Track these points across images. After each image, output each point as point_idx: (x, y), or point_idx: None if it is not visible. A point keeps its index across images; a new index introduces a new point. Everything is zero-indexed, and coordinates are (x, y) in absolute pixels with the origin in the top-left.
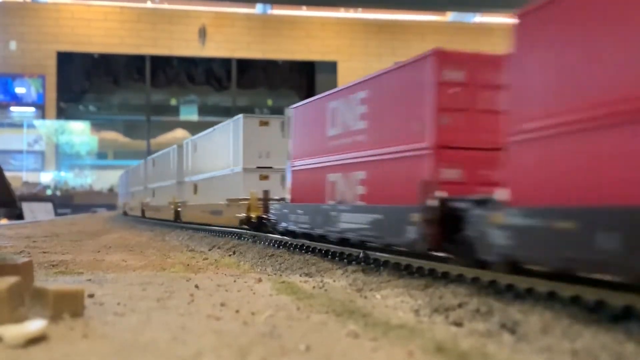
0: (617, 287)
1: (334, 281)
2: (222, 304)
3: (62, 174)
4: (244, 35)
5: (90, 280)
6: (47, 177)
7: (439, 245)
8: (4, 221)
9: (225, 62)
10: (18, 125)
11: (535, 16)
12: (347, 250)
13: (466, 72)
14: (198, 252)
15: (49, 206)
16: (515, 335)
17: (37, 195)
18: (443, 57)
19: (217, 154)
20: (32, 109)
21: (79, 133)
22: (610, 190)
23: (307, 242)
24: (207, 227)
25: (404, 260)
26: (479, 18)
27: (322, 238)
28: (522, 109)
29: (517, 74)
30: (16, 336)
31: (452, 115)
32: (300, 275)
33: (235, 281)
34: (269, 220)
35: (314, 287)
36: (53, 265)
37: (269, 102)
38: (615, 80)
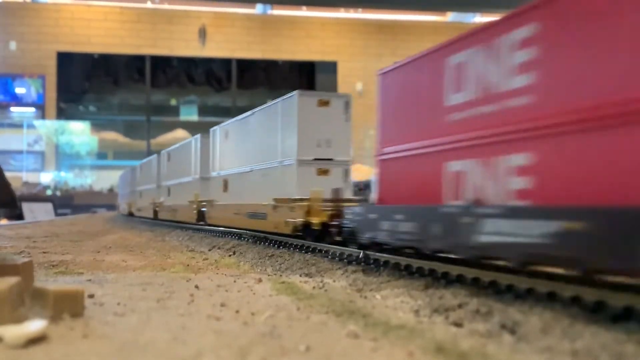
0: (617, 287)
1: (334, 281)
2: (222, 304)
3: (62, 174)
4: (244, 35)
5: (90, 280)
6: (47, 178)
7: None
8: (4, 221)
9: (225, 62)
10: (18, 126)
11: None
12: (347, 250)
13: None
14: (198, 252)
15: (49, 206)
16: (516, 335)
17: (37, 196)
18: None
19: (258, 143)
20: (32, 109)
21: (79, 133)
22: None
23: (306, 242)
24: (207, 227)
25: (404, 261)
26: (478, 18)
27: (430, 253)
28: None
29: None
30: (16, 336)
31: None
32: (300, 276)
33: (235, 281)
34: (339, 228)
35: (314, 287)
36: (53, 266)
37: (269, 102)
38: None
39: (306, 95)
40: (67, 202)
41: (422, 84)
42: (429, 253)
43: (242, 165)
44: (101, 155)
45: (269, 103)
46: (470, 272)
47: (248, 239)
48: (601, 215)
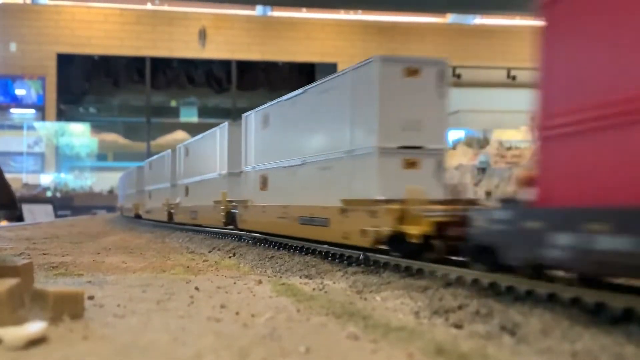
0: (617, 289)
1: (334, 283)
2: (222, 306)
3: (62, 175)
4: (243, 36)
5: (90, 282)
6: (47, 179)
7: None
8: (4, 223)
9: (225, 64)
10: (18, 127)
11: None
12: (347, 252)
13: None
14: (198, 253)
15: (49, 208)
16: (515, 337)
17: (37, 197)
18: None
19: (312, 129)
20: (32, 111)
21: (79, 135)
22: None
23: (306, 243)
24: (208, 228)
25: (404, 262)
26: (478, 20)
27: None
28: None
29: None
30: (16, 338)
31: None
32: (300, 277)
33: (235, 283)
34: (461, 240)
35: (314, 289)
36: (53, 267)
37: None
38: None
39: (390, 62)
40: (67, 203)
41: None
42: None
43: (289, 158)
44: (101, 156)
45: (328, 77)
46: (470, 274)
47: (248, 241)
48: None
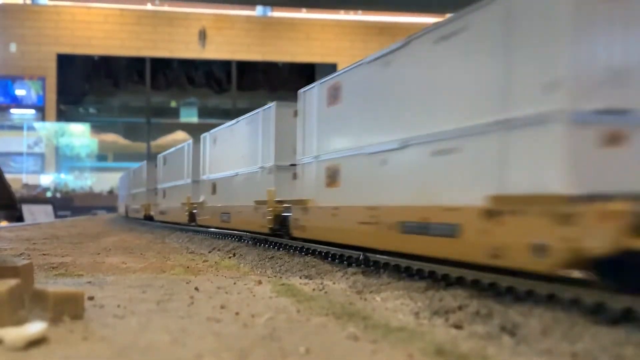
0: (617, 289)
1: (334, 283)
2: (222, 307)
3: (62, 176)
4: (244, 37)
5: (90, 282)
6: (47, 179)
7: None
8: (4, 223)
9: (225, 64)
10: (18, 128)
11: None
12: (347, 252)
13: None
14: (198, 254)
15: (49, 208)
16: (515, 337)
17: (37, 198)
18: None
19: (433, 91)
20: (32, 111)
21: (79, 135)
22: None
23: (306, 244)
24: (208, 228)
25: (403, 263)
26: None
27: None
28: None
29: None
30: (16, 339)
31: None
32: (300, 278)
33: (235, 283)
34: None
35: (313, 289)
36: (53, 268)
37: (268, 102)
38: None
39: None
40: (67, 204)
41: None
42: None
43: (376, 141)
44: (101, 157)
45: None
46: (470, 274)
47: (248, 241)
48: None
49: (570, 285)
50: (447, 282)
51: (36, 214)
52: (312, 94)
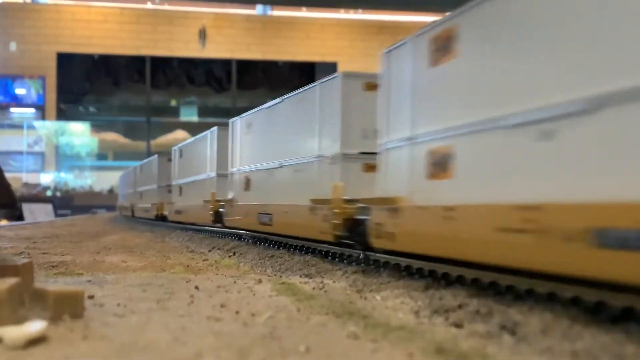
0: (617, 288)
1: (334, 282)
2: (222, 305)
3: (62, 175)
4: (243, 36)
5: (90, 281)
6: (47, 178)
7: None
8: (4, 222)
9: (225, 63)
10: (18, 127)
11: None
12: (347, 251)
13: None
14: (198, 253)
15: (48, 207)
16: (516, 336)
17: (37, 197)
18: None
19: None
20: (32, 110)
21: (79, 134)
22: None
23: (306, 243)
24: (208, 227)
25: (403, 261)
26: None
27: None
28: None
29: None
30: (16, 337)
31: None
32: (300, 276)
33: (235, 282)
34: None
35: (314, 288)
36: (53, 266)
37: (267, 101)
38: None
39: None
40: (67, 203)
41: None
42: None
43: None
44: (101, 156)
45: None
46: (470, 273)
47: (248, 240)
48: None
49: (571, 284)
50: (447, 281)
51: (36, 213)
52: (404, 53)
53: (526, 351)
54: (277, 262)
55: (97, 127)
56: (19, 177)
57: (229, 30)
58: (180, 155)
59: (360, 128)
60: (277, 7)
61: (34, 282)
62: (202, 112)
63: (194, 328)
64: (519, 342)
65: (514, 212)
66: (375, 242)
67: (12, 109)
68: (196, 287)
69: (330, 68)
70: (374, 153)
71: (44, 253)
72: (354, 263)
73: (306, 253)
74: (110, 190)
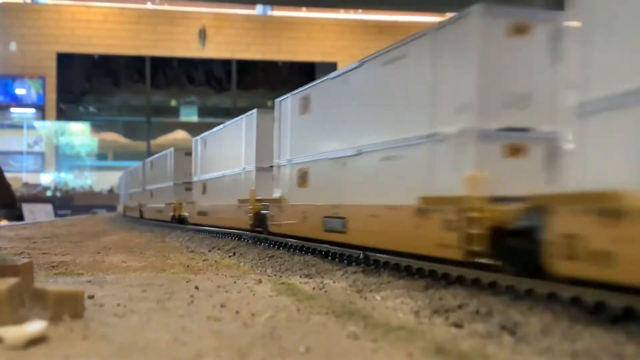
0: (617, 288)
1: (334, 282)
2: (222, 305)
3: (62, 175)
4: (244, 36)
5: (90, 281)
6: (47, 178)
7: None
8: (4, 222)
9: (225, 63)
10: (18, 127)
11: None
12: (347, 251)
13: None
14: (198, 253)
15: (48, 207)
16: (515, 336)
17: (37, 197)
18: None
19: None
20: (32, 110)
21: (79, 134)
22: None
23: (307, 243)
24: (208, 227)
25: (403, 262)
26: None
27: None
28: None
29: None
30: (16, 337)
31: None
32: (300, 277)
33: (235, 282)
34: None
35: (314, 288)
36: (53, 267)
37: (269, 103)
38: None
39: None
40: (67, 203)
41: None
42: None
43: None
44: (101, 156)
45: None
46: (470, 273)
47: (248, 240)
48: None
49: (570, 285)
50: (447, 281)
51: (36, 213)
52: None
53: (526, 351)
54: (277, 262)
55: (97, 127)
56: (19, 177)
57: (229, 30)
58: (204, 146)
59: (502, 92)
60: (277, 7)
61: (34, 282)
62: (202, 112)
63: (194, 328)
64: (518, 342)
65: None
66: (561, 268)
67: (12, 109)
68: (196, 287)
69: (330, 68)
70: (523, 129)
71: (44, 253)
72: (354, 263)
73: (306, 253)
74: (110, 190)
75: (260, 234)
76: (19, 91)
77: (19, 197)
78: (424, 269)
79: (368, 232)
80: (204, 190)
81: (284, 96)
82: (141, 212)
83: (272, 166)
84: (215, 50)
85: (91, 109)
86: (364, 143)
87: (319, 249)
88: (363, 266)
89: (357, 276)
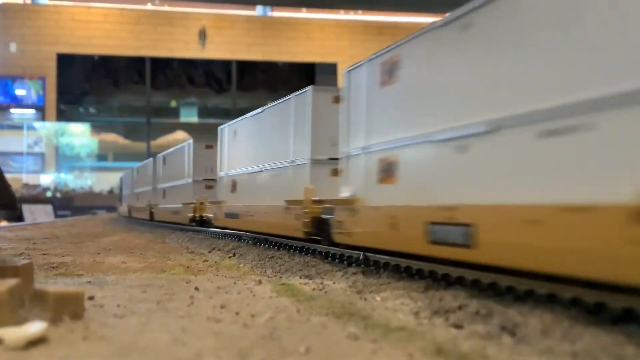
0: (617, 289)
1: (334, 283)
2: (222, 306)
3: (62, 175)
4: (244, 37)
5: (90, 282)
6: (47, 179)
7: None
8: (4, 223)
9: (225, 64)
10: (18, 127)
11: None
12: (347, 252)
13: None
14: (198, 254)
15: (49, 208)
16: (515, 337)
17: (37, 197)
18: None
19: None
20: (32, 111)
21: (79, 135)
22: None
23: (307, 244)
24: (208, 229)
25: (403, 262)
26: None
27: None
28: None
29: None
30: (16, 338)
31: None
32: (300, 277)
33: (235, 283)
34: None
35: (313, 289)
36: (53, 267)
37: (269, 103)
38: None
39: None
40: (67, 203)
41: None
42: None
43: None
44: (101, 157)
45: None
46: (470, 274)
47: (248, 241)
48: None
49: (571, 285)
50: (447, 282)
51: (36, 214)
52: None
53: (526, 352)
54: (277, 263)
55: (97, 127)
56: (19, 177)
57: (229, 31)
58: (234, 136)
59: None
60: (277, 8)
61: (34, 283)
62: (202, 113)
63: (194, 329)
64: (519, 343)
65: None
66: None
67: (12, 110)
68: (196, 288)
69: (330, 68)
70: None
71: (44, 254)
72: (354, 264)
73: (306, 254)
74: (110, 191)
75: (318, 243)
76: (19, 92)
77: (19, 198)
78: (423, 269)
79: (518, 248)
80: (234, 188)
81: (357, 63)
82: (151, 214)
83: (332, 158)
84: (215, 51)
85: (91, 109)
86: (503, 114)
87: (319, 249)
88: (363, 267)
89: (357, 277)
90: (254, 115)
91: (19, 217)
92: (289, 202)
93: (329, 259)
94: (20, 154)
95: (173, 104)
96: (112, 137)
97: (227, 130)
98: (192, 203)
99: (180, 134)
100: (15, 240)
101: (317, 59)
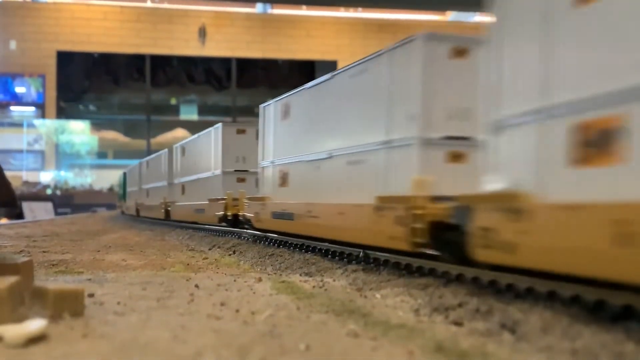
0: (617, 287)
1: (334, 280)
2: (222, 304)
3: (62, 173)
4: (243, 34)
5: (90, 279)
6: (47, 177)
7: None
8: (4, 220)
9: (225, 62)
10: (18, 125)
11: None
12: (347, 249)
13: None
14: (198, 251)
15: (49, 205)
16: (515, 334)
17: (37, 195)
18: None
19: None
20: (32, 109)
21: (79, 132)
22: None
23: (307, 241)
24: (207, 227)
25: (403, 260)
26: (479, 17)
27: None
28: None
29: None
30: (16, 336)
31: None
32: (300, 275)
33: (235, 280)
34: None
35: (313, 286)
36: (53, 265)
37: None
38: None
39: None
40: (67, 201)
41: None
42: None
43: None
44: (101, 154)
45: None
46: (470, 272)
47: (248, 238)
48: None
49: (570, 283)
50: (447, 279)
51: (36, 211)
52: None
53: (526, 349)
54: (277, 260)
55: (97, 125)
56: (19, 175)
57: (229, 28)
58: (285, 114)
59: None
60: (277, 6)
61: (34, 281)
62: (202, 111)
63: (194, 326)
64: (519, 340)
65: None
66: None
67: (12, 107)
68: (196, 286)
69: (330, 66)
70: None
71: (44, 251)
72: (354, 262)
73: (306, 251)
74: (110, 189)
75: (445, 262)
76: (19, 89)
77: (19, 196)
78: (423, 267)
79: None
80: (284, 182)
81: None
82: (167, 212)
83: (449, 137)
84: (215, 48)
85: (91, 107)
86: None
87: (319, 247)
88: (363, 264)
89: (357, 274)
90: (316, 84)
91: (19, 215)
92: (384, 199)
93: (329, 256)
94: (20, 151)
95: (173, 101)
96: (112, 135)
97: (273, 107)
98: (222, 199)
99: (180, 132)
100: (15, 237)
101: (317, 57)
